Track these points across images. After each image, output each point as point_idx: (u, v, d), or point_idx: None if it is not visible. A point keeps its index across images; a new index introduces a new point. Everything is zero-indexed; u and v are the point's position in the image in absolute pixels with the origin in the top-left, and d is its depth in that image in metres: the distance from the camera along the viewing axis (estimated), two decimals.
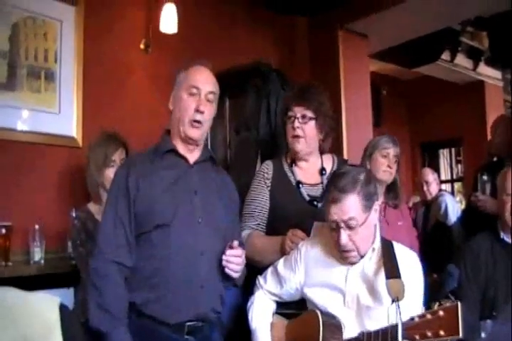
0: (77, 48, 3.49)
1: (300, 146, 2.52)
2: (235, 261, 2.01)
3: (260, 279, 2.27)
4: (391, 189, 3.04)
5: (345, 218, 1.92)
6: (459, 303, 1.55)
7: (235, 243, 2.01)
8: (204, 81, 2.12)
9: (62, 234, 3.11)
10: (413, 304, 1.84)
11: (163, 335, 1.94)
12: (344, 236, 1.93)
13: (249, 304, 2.23)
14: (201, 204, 2.05)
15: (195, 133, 2.08)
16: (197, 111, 2.06)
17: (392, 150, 3.00)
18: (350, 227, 1.93)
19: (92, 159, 2.79)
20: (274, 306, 2.24)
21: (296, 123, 2.50)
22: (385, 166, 2.96)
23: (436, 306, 1.59)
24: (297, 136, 2.50)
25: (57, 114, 3.37)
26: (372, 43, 4.84)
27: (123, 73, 3.74)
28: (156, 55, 3.86)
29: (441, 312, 1.57)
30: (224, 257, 1.99)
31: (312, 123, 2.51)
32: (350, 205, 1.92)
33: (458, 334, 1.52)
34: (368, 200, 1.96)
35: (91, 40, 3.55)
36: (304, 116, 2.50)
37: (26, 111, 3.24)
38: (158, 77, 3.79)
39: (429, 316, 1.59)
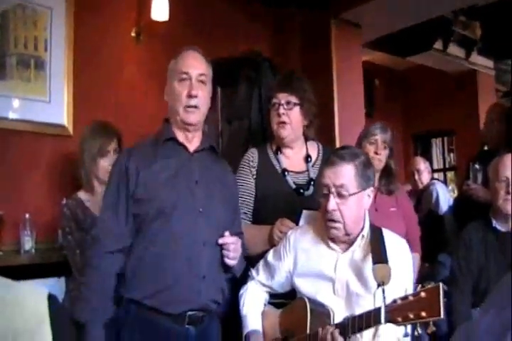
0: (68, 36, 3.46)
1: (285, 132, 2.52)
2: (230, 248, 2.01)
3: (253, 271, 2.28)
4: (384, 175, 3.03)
5: (337, 183, 1.95)
6: (441, 284, 1.56)
7: (226, 233, 2.01)
8: (192, 64, 2.09)
9: (53, 224, 3.10)
10: (401, 289, 1.85)
11: (164, 325, 1.94)
12: (333, 202, 1.95)
13: (241, 292, 2.24)
14: (202, 195, 2.04)
15: (190, 117, 2.06)
16: (189, 96, 2.04)
17: (379, 137, 2.99)
18: (340, 195, 1.95)
19: (86, 149, 2.79)
20: (266, 296, 2.25)
21: (281, 110, 2.50)
22: (372, 152, 2.95)
23: (419, 288, 1.60)
24: (283, 122, 2.50)
25: (48, 103, 3.35)
26: (365, 33, 4.82)
27: (114, 61, 3.71)
28: (148, 43, 3.84)
29: (422, 294, 1.57)
30: (220, 241, 2.00)
31: (297, 109, 2.51)
32: (345, 172, 1.96)
33: (439, 315, 1.52)
34: (363, 178, 1.98)
35: (81, 28, 3.52)
36: (288, 103, 2.50)
37: (16, 99, 3.22)
38: (149, 65, 3.77)
39: (411, 298, 1.60)
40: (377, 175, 2.99)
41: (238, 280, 2.28)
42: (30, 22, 3.32)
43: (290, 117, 2.50)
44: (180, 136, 2.10)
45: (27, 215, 2.99)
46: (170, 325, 1.94)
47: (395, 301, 1.64)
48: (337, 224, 1.98)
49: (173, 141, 2.08)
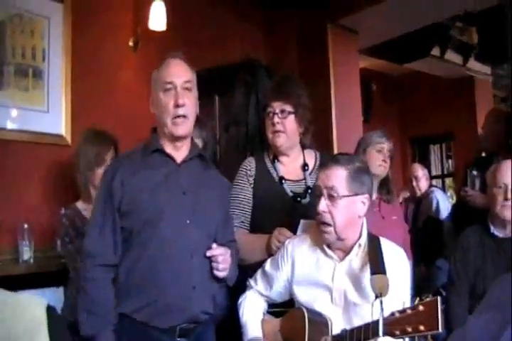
0: (65, 46, 3.47)
1: (281, 141, 2.50)
2: (219, 259, 2.00)
3: (251, 281, 2.27)
4: (384, 184, 3.07)
5: (328, 184, 1.97)
6: (439, 298, 1.55)
7: (214, 245, 2.00)
8: (175, 73, 2.06)
9: (51, 233, 3.10)
10: (398, 300, 1.85)
11: (155, 338, 1.92)
12: (323, 203, 1.97)
13: (240, 300, 2.23)
14: (191, 205, 2.01)
15: (179, 130, 2.03)
16: (177, 106, 2.00)
17: (386, 145, 3.04)
18: (330, 196, 1.97)
19: (83, 158, 2.78)
20: (264, 305, 2.24)
21: (276, 119, 2.48)
22: (380, 161, 2.99)
23: (417, 301, 1.59)
24: (278, 131, 2.49)
25: (46, 112, 3.36)
26: (362, 39, 4.83)
27: (112, 71, 3.72)
28: (145, 53, 3.85)
29: (420, 307, 1.57)
30: (208, 253, 1.98)
31: (291, 117, 2.50)
32: (336, 174, 1.98)
33: (437, 329, 1.52)
34: (356, 182, 1.99)
35: (79, 38, 3.53)
36: (282, 111, 2.49)
37: (14, 109, 3.22)
38: (147, 74, 3.74)
39: (409, 311, 1.59)
40: (378, 184, 3.02)
41: (236, 290, 2.28)
42: (28, 31, 3.33)
43: (285, 126, 2.49)
44: (168, 146, 2.07)
45: (25, 225, 2.99)
46: (161, 338, 1.92)
47: (393, 314, 1.63)
48: (328, 228, 1.98)
49: (160, 152, 2.06)
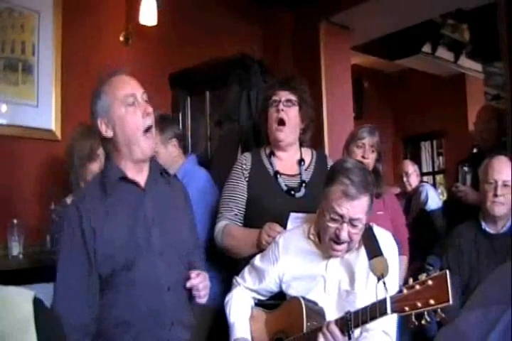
0: (56, 40, 3.45)
1: (283, 135, 2.51)
2: (200, 287, 1.91)
3: (238, 279, 2.26)
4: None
5: (354, 216, 1.91)
6: (447, 272, 1.56)
7: (192, 275, 1.90)
8: (133, 86, 1.90)
9: (41, 229, 3.08)
10: (394, 280, 1.86)
11: None
12: (345, 230, 1.92)
13: (226, 300, 2.22)
14: (160, 235, 1.89)
15: (149, 146, 1.89)
16: (146, 114, 1.86)
17: (367, 140, 3.01)
18: (353, 225, 1.93)
19: (74, 153, 2.76)
20: (252, 301, 2.23)
21: (281, 106, 2.49)
22: (359, 156, 2.97)
23: (424, 277, 1.59)
24: (281, 121, 2.49)
25: (36, 107, 3.34)
26: (355, 36, 4.84)
27: (103, 65, 3.68)
28: (136, 47, 3.83)
29: (429, 282, 1.57)
30: (188, 284, 1.88)
31: (296, 108, 2.52)
32: (362, 206, 1.92)
33: (448, 301, 1.52)
34: (372, 202, 1.97)
35: (70, 32, 3.51)
36: (288, 100, 2.51)
37: (4, 104, 3.21)
38: (138, 69, 3.75)
39: (417, 287, 1.59)
40: None
41: (227, 286, 2.28)
42: (18, 25, 3.31)
43: (289, 115, 2.49)
44: (131, 170, 1.89)
45: (15, 220, 2.97)
46: None
47: (400, 291, 1.63)
48: (343, 246, 1.97)
49: (124, 179, 1.88)
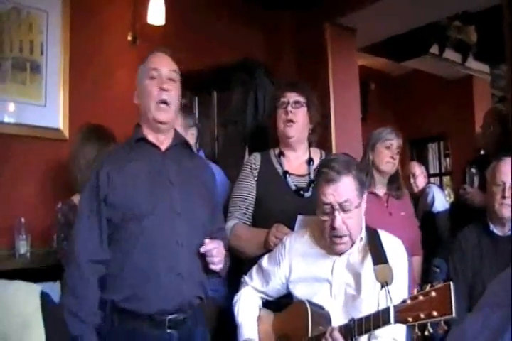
0: (63, 40, 3.46)
1: (293, 131, 2.54)
2: (214, 253, 1.97)
3: (246, 278, 2.27)
4: (393, 180, 3.09)
5: (341, 200, 1.91)
6: (451, 283, 1.55)
7: (207, 240, 1.96)
8: (161, 62, 2.10)
9: (48, 228, 3.08)
10: (401, 289, 1.85)
11: (145, 333, 1.89)
12: (339, 219, 1.92)
13: (235, 300, 2.22)
14: (179, 196, 2.00)
15: (162, 115, 2.04)
16: (161, 89, 2.02)
17: (395, 142, 3.05)
18: (344, 210, 1.92)
19: (81, 154, 2.75)
20: (260, 301, 2.23)
21: (289, 108, 2.53)
22: (388, 157, 3.01)
23: (428, 288, 1.59)
24: (290, 121, 2.52)
25: (43, 106, 3.34)
26: (361, 37, 4.82)
27: (110, 65, 3.71)
28: (144, 47, 3.81)
29: (433, 293, 1.57)
30: (202, 250, 1.95)
31: (304, 109, 2.56)
32: (347, 187, 1.92)
33: (451, 314, 1.52)
34: (361, 185, 1.97)
35: (77, 32, 3.52)
36: (296, 102, 2.55)
37: (12, 103, 3.21)
38: None
39: (421, 298, 1.59)
40: (387, 180, 3.04)
41: (232, 287, 2.28)
42: (26, 25, 3.32)
43: (297, 116, 2.54)
44: (151, 136, 2.08)
45: (22, 219, 2.98)
46: (151, 332, 1.90)
47: (404, 301, 1.63)
48: (344, 239, 1.97)
49: (144, 141, 2.07)
